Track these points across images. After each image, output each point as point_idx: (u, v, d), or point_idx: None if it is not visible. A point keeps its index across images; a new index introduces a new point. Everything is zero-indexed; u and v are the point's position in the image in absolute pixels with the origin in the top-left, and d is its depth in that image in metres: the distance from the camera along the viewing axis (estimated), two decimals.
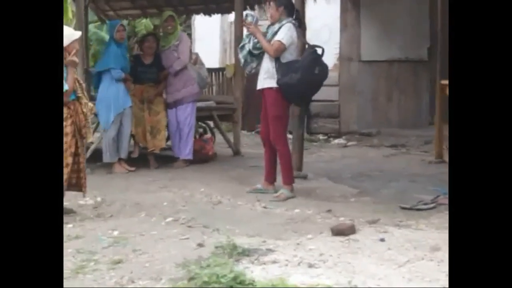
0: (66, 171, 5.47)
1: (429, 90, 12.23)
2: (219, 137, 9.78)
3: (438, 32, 8.97)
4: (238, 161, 8.89)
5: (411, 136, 11.04)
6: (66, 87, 5.38)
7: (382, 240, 4.73)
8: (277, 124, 6.54)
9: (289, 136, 7.40)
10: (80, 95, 5.57)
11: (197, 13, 11.57)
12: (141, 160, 8.31)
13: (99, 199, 6.29)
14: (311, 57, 6.38)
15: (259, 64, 6.67)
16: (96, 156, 8.13)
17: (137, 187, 6.96)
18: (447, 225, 4.32)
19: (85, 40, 9.29)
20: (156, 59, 8.45)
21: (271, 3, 6.55)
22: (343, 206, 6.03)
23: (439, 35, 8.78)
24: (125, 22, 9.93)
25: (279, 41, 6.39)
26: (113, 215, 5.75)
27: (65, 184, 5.53)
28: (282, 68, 6.38)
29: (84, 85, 5.79)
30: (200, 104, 8.94)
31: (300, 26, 6.68)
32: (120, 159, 8.04)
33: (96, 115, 7.77)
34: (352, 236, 4.83)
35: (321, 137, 11.48)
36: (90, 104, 5.74)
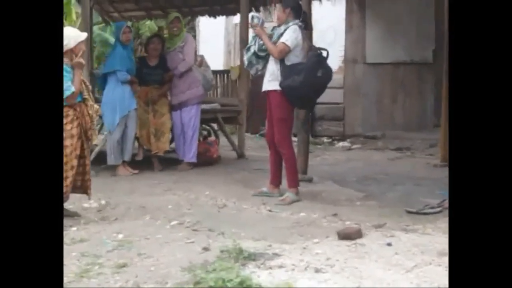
0: (71, 173, 5.44)
1: (434, 93, 12.20)
2: (222, 139, 9.75)
3: (444, 34, 8.92)
4: (242, 164, 8.85)
5: (416, 139, 11.00)
6: (73, 88, 5.35)
7: (389, 244, 4.68)
8: (281, 127, 6.50)
9: (294, 139, 7.39)
10: (86, 96, 5.54)
11: (202, 14, 11.56)
12: (145, 162, 8.28)
13: (103, 202, 6.26)
14: (314, 59, 6.34)
15: (264, 66, 6.65)
16: (100, 159, 8.11)
17: (142, 189, 6.93)
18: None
19: (89, 41, 9.26)
20: (162, 60, 8.42)
21: (278, 4, 6.52)
22: (349, 210, 5.99)
23: (446, 37, 8.73)
24: (129, 23, 9.89)
25: (283, 43, 6.36)
26: (118, 218, 5.71)
27: (70, 186, 5.50)
28: (285, 70, 6.36)
29: (90, 86, 5.76)
30: (204, 106, 8.91)
31: (306, 28, 6.64)
32: (123, 162, 8.00)
33: (101, 117, 7.75)
34: (358, 240, 4.79)
35: (325, 140, 11.45)
36: (96, 106, 5.71)
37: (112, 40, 14.59)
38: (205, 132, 9.69)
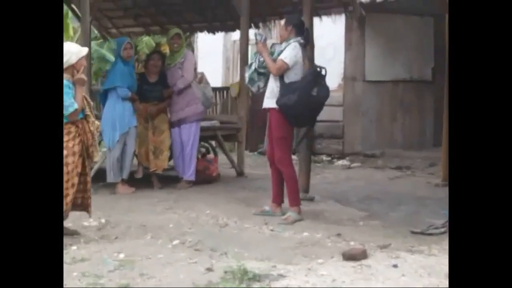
0: (72, 191, 5.36)
1: (433, 111, 12.18)
2: (221, 157, 9.67)
3: (445, 52, 8.90)
4: (242, 182, 8.78)
5: (415, 157, 10.96)
6: (76, 105, 5.28)
7: (395, 266, 4.62)
8: (281, 145, 6.45)
9: (293, 157, 7.33)
10: (88, 113, 5.47)
11: (201, 30, 11.52)
12: (144, 180, 8.20)
13: (103, 220, 6.17)
14: (309, 78, 6.30)
15: (266, 83, 6.60)
16: (99, 176, 8.02)
17: (142, 208, 6.85)
18: None
19: (89, 57, 9.21)
20: (161, 77, 8.36)
21: (282, 22, 6.49)
22: (353, 230, 5.92)
23: (445, 56, 8.71)
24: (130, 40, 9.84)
25: (282, 60, 6.34)
26: (118, 237, 5.63)
27: (70, 204, 5.42)
28: (283, 88, 6.33)
29: (91, 103, 5.69)
30: (204, 123, 8.85)
31: (306, 46, 6.60)
32: (122, 180, 7.92)
33: (100, 133, 7.66)
34: (364, 261, 4.73)
35: (324, 158, 11.39)
36: (97, 123, 5.64)
37: (109, 56, 14.63)
38: (203, 150, 9.61)
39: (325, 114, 7.66)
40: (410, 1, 10.77)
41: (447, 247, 5.21)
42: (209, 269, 4.51)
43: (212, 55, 14.18)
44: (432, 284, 4.22)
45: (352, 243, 5.36)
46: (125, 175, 7.95)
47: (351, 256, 4.81)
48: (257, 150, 11.98)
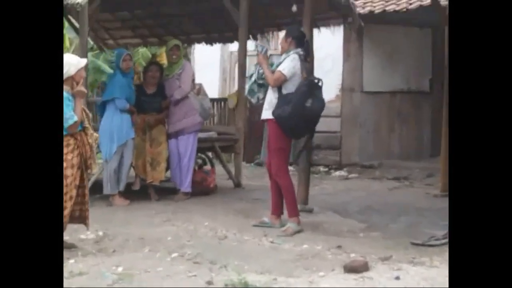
0: (70, 204, 5.30)
1: (430, 122, 12.19)
2: (218, 168, 9.61)
3: (443, 63, 8.90)
4: (240, 194, 8.73)
5: (413, 168, 10.94)
6: (75, 118, 5.23)
7: (397, 278, 4.58)
8: (278, 157, 6.43)
9: (290, 168, 7.29)
10: (86, 125, 5.42)
11: (199, 42, 11.51)
12: (141, 192, 8.14)
13: (100, 233, 6.10)
14: (303, 89, 6.27)
15: (266, 95, 6.58)
16: (95, 188, 7.95)
17: (139, 220, 6.78)
18: None
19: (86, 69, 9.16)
20: (160, 88, 8.32)
21: (280, 33, 6.48)
22: (353, 242, 5.87)
23: (443, 67, 8.73)
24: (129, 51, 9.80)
25: (279, 71, 6.34)
26: (116, 250, 5.56)
27: (68, 217, 5.36)
28: (279, 99, 6.32)
29: (90, 115, 5.64)
30: (201, 134, 8.80)
31: (306, 58, 6.57)
32: (119, 192, 7.86)
33: (98, 145, 7.61)
34: (365, 274, 4.69)
35: (322, 168, 11.35)
36: (95, 135, 5.60)
37: (105, 67, 14.59)
38: (200, 161, 9.55)
39: (322, 125, 7.65)
40: (408, 12, 10.79)
41: None
42: (209, 283, 4.46)
43: (209, 66, 14.14)
44: None
45: (352, 255, 5.32)
46: (122, 187, 7.89)
47: (352, 269, 4.76)
48: (254, 161, 11.93)
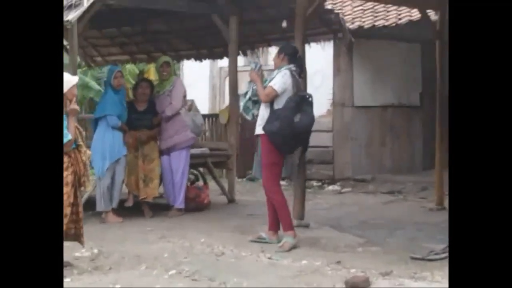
0: (64, 221, 5.21)
1: (422, 135, 12.20)
2: (210, 184, 9.54)
3: (434, 77, 8.93)
4: (234, 209, 8.67)
5: (406, 182, 10.92)
6: (69, 136, 5.16)
7: None
8: (270, 172, 6.40)
9: (282, 182, 7.24)
10: (80, 143, 5.35)
11: (188, 58, 11.45)
12: (135, 209, 8.05)
13: (95, 250, 6.00)
14: (291, 104, 6.26)
15: None
16: (88, 205, 7.84)
17: (134, 237, 6.70)
18: None
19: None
20: (150, 105, 8.25)
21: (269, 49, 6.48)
22: (352, 257, 5.81)
23: (438, 80, 8.74)
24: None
25: (271, 86, 6.33)
26: (112, 267, 5.46)
27: (63, 235, 5.26)
28: (270, 115, 6.31)
29: (84, 132, 5.56)
30: (194, 151, 8.74)
31: (300, 75, 6.56)
32: (112, 209, 7.77)
33: (90, 162, 7.52)
34: None
35: (314, 183, 11.29)
36: (89, 152, 5.53)
37: (92, 83, 14.53)
38: (192, 177, 9.48)
39: (314, 139, 7.61)
40: (397, 27, 10.83)
41: None
42: None
43: (198, 82, 14.09)
44: None
45: (353, 270, 5.25)
46: (115, 204, 7.81)
47: (354, 284, 4.71)
48: (246, 176, 11.87)
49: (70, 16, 7.36)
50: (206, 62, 12.36)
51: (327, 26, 9.33)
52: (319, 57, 10.36)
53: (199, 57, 11.22)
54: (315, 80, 10.63)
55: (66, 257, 5.62)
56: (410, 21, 10.67)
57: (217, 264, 5.56)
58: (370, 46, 11.55)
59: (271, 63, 9.42)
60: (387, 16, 11.22)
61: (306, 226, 7.13)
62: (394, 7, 11.18)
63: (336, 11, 9.86)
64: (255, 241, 6.39)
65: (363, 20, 11.31)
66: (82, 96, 14.58)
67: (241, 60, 10.02)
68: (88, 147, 7.36)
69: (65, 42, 8.83)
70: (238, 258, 5.79)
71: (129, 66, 15.19)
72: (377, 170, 11.62)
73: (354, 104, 11.59)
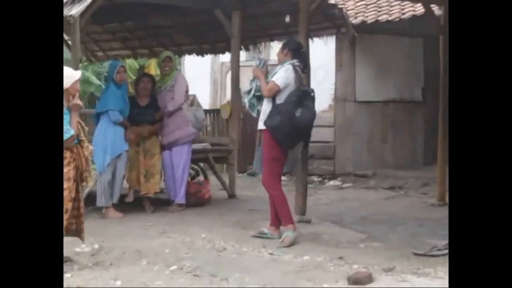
0: (65, 217, 5.19)
1: (423, 131, 12.16)
2: (211, 179, 9.52)
3: (436, 73, 8.89)
4: (235, 204, 8.65)
5: (407, 177, 10.88)
6: (72, 131, 5.13)
7: None
8: (270, 167, 6.38)
9: (283, 177, 7.21)
10: (82, 138, 5.32)
11: (190, 53, 11.39)
12: (136, 204, 8.03)
13: (96, 246, 5.98)
14: (293, 99, 6.24)
15: None
16: (88, 200, 7.81)
17: (135, 232, 6.68)
18: None
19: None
20: (152, 100, 8.22)
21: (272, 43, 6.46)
22: (354, 253, 5.79)
23: (437, 76, 8.71)
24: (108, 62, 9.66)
25: (273, 81, 6.31)
26: (113, 263, 5.44)
27: (63, 230, 5.24)
28: (272, 109, 6.28)
29: (86, 128, 5.53)
30: (195, 146, 8.72)
31: (304, 70, 6.54)
32: (113, 204, 7.75)
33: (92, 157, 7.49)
34: (370, 285, 4.61)
35: (315, 178, 11.26)
36: (91, 147, 5.50)
37: (93, 78, 14.48)
38: (192, 172, 9.45)
39: (316, 135, 7.59)
40: (400, 22, 10.77)
41: None
42: None
43: (199, 77, 14.08)
44: None
45: (355, 266, 5.23)
46: (115, 199, 7.78)
47: (356, 280, 4.69)
48: (247, 171, 11.84)
49: (73, 11, 7.31)
50: (208, 57, 12.29)
51: (330, 21, 9.27)
52: (322, 52, 10.30)
53: (201, 52, 11.16)
54: (317, 75, 10.56)
55: (67, 252, 5.61)
56: (414, 16, 10.60)
57: (218, 259, 5.55)
58: (372, 41, 11.51)
59: (273, 58, 9.44)
60: (391, 10, 11.16)
61: (308, 221, 7.12)
62: (398, 2, 11.10)
63: (339, 6, 9.80)
64: (257, 236, 6.38)
65: (366, 15, 11.25)
66: (82, 91, 14.47)
67: (243, 55, 9.97)
68: (90, 142, 7.35)
69: (67, 37, 8.82)
70: (240, 253, 5.77)
71: (129, 61, 15.15)
72: (378, 166, 11.59)
73: (356, 99, 11.54)
